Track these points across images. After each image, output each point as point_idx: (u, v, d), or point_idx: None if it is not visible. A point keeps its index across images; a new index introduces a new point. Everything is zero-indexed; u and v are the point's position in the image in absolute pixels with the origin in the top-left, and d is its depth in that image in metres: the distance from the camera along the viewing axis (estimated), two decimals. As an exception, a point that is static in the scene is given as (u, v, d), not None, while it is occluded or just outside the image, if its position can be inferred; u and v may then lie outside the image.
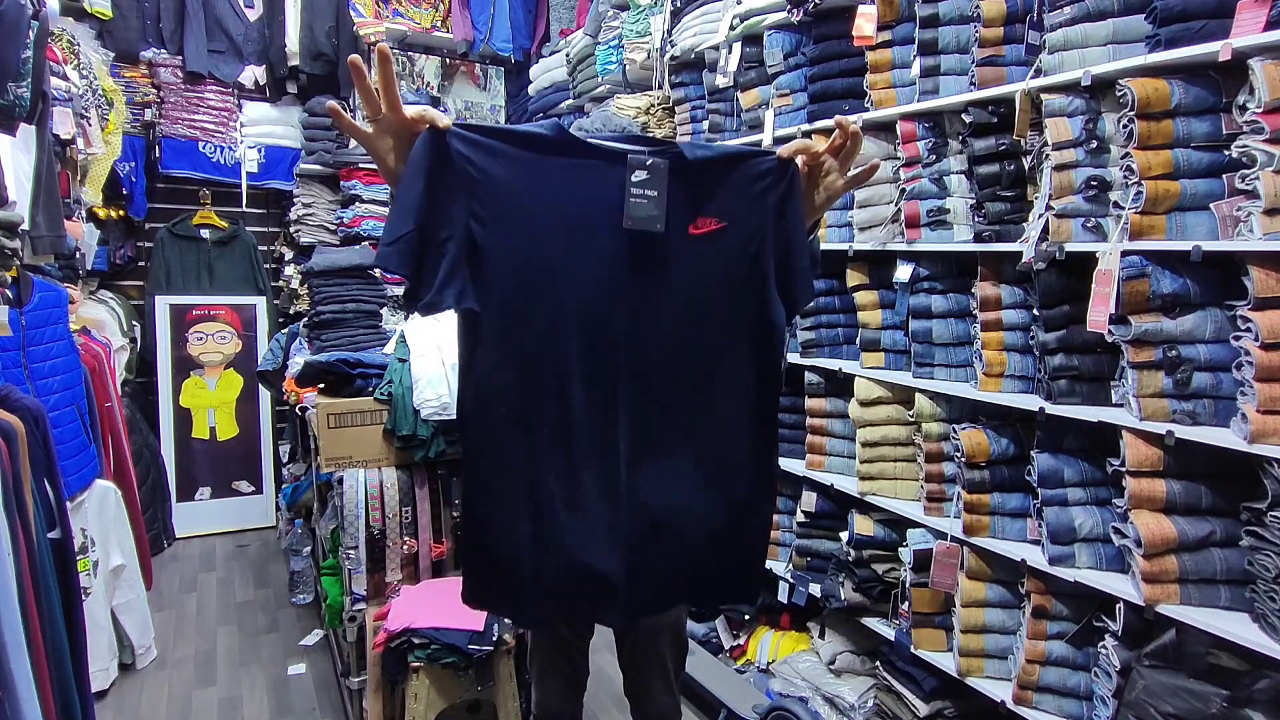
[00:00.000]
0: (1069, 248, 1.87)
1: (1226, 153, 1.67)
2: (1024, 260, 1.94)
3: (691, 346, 1.26)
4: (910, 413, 2.36)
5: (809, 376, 2.73)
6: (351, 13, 4.52)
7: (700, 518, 1.30)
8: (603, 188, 1.20)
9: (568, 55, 4.32)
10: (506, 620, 2.17)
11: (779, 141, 2.83)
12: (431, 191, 1.13)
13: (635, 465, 1.25)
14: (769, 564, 2.90)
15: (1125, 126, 1.75)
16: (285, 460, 4.44)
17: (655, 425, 1.26)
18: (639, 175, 1.20)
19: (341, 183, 4.41)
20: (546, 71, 4.63)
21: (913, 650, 2.32)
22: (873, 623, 2.50)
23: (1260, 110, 1.55)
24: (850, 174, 1.30)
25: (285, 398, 3.30)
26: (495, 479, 1.24)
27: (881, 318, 2.51)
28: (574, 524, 1.24)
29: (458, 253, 1.16)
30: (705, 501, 1.30)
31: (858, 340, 2.57)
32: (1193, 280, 1.71)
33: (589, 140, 1.24)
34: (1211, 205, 1.69)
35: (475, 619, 2.17)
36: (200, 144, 4.41)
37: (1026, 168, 2.07)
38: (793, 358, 2.79)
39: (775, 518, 2.93)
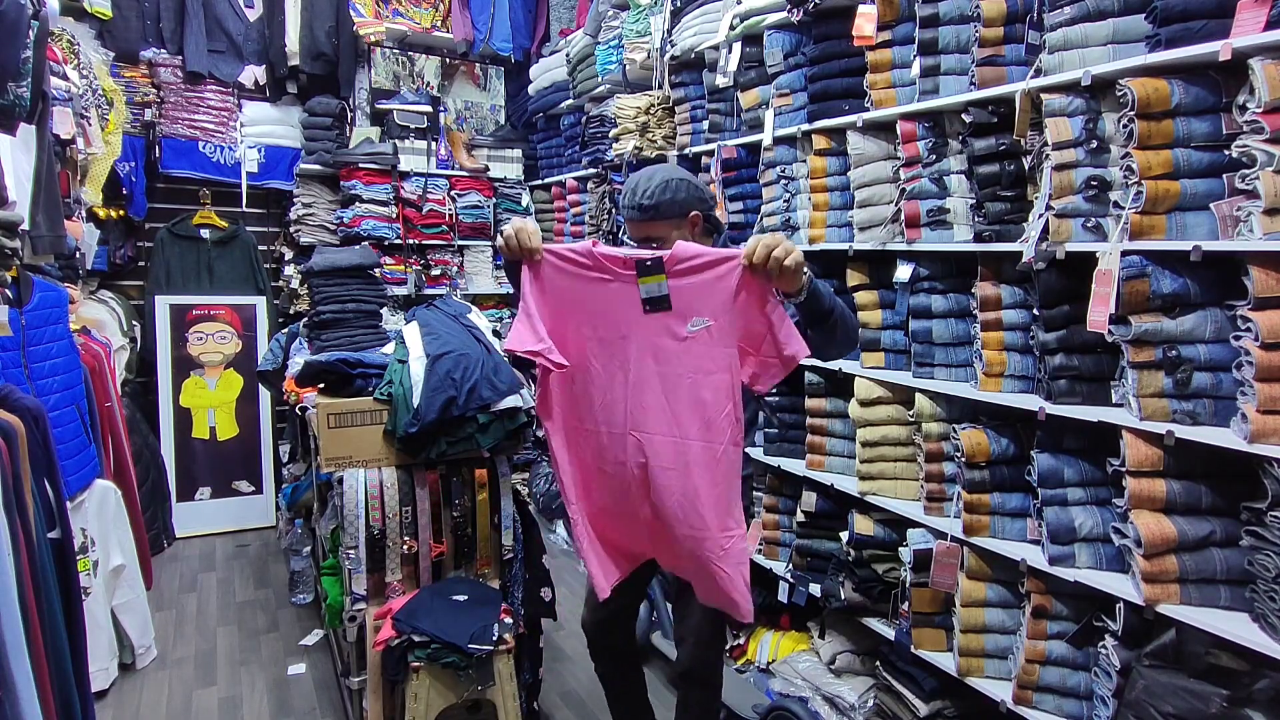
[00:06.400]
0: (1069, 248, 1.87)
1: (1226, 153, 1.67)
2: (1024, 260, 1.94)
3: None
4: (910, 413, 2.36)
5: (809, 376, 2.73)
6: (351, 12, 4.53)
7: None
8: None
9: (568, 55, 4.32)
10: (506, 620, 2.20)
11: (779, 141, 2.84)
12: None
13: None
14: (769, 564, 2.91)
15: (1125, 126, 1.75)
16: (285, 460, 4.44)
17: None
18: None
19: (341, 183, 4.41)
20: (546, 71, 4.64)
21: (913, 650, 2.32)
22: (873, 623, 2.50)
23: (1260, 110, 1.55)
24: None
25: (285, 398, 3.30)
26: None
27: (881, 318, 2.51)
28: None
29: None
30: None
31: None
32: (1193, 280, 1.71)
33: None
34: (1211, 205, 1.69)
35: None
36: (200, 144, 4.41)
37: (1026, 168, 2.07)
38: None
39: (775, 517, 2.93)
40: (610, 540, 1.77)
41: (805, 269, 1.54)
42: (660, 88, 3.58)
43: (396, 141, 4.50)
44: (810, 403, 2.73)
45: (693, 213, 1.88)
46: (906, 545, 2.32)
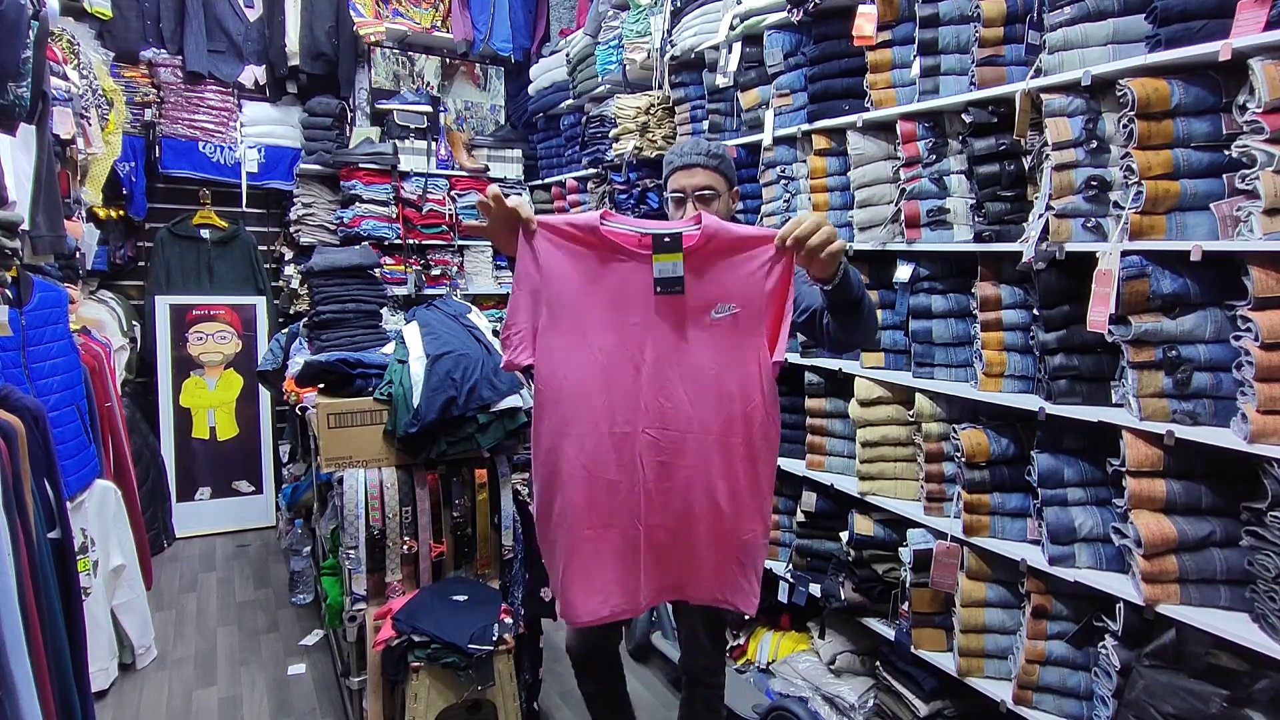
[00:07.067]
0: (1069, 248, 1.87)
1: (1226, 153, 1.67)
2: (1024, 260, 1.94)
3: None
4: (910, 413, 2.36)
5: (809, 376, 2.73)
6: (351, 12, 4.53)
7: None
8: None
9: (568, 55, 4.32)
10: (507, 620, 2.20)
11: (779, 141, 2.84)
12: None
13: None
14: (769, 564, 2.91)
15: (1125, 126, 1.75)
16: (285, 460, 4.44)
17: None
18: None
19: (341, 183, 4.41)
20: (546, 71, 4.63)
21: (913, 650, 2.32)
22: (873, 623, 2.50)
23: (1260, 110, 1.55)
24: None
25: (285, 398, 3.30)
26: None
27: (881, 318, 2.51)
28: None
29: None
30: None
31: (858, 340, 2.57)
32: (1193, 280, 1.71)
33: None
34: (1211, 205, 1.69)
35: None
36: (200, 144, 4.41)
37: (1026, 168, 2.07)
38: (793, 358, 2.79)
39: (775, 517, 2.93)
40: (594, 564, 1.52)
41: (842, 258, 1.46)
42: (660, 88, 3.58)
43: (396, 141, 4.50)
44: (810, 403, 2.72)
45: (735, 186, 1.95)
46: (906, 545, 2.32)
